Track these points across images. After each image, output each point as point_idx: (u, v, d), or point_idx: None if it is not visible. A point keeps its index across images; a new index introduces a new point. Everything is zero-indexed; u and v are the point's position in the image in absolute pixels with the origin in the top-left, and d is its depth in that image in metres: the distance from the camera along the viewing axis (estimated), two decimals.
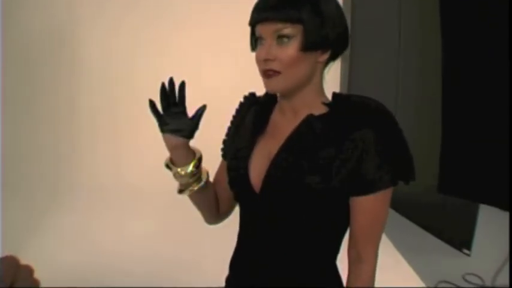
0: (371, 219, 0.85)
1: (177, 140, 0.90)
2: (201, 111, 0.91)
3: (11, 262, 0.51)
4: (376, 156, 0.79)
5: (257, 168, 0.90)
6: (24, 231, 3.14)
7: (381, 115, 0.82)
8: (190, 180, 0.93)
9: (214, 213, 1.05)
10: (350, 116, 0.82)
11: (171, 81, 0.90)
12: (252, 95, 1.04)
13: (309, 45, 0.81)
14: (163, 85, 0.89)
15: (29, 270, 0.52)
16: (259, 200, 0.88)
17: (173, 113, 0.90)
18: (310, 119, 0.86)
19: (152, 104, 0.90)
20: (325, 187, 0.81)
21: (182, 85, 0.90)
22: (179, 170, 0.92)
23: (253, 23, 0.85)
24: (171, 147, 0.92)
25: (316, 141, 0.84)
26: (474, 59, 1.93)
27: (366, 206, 0.83)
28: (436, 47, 2.15)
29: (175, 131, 0.90)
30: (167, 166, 0.94)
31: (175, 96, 0.90)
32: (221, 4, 4.10)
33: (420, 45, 3.38)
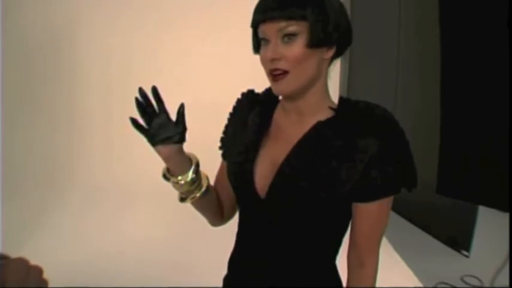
0: (373, 225, 0.85)
1: (169, 148, 0.88)
2: (181, 111, 0.89)
3: (22, 264, 0.52)
4: (382, 164, 0.79)
5: (262, 173, 0.89)
6: (21, 231, 3.14)
7: (388, 123, 0.81)
8: (191, 188, 0.91)
9: (218, 216, 1.04)
10: (357, 123, 0.82)
11: (142, 92, 0.87)
12: (251, 92, 1.03)
13: (315, 42, 0.80)
14: (137, 99, 0.87)
15: (38, 271, 0.53)
16: (264, 205, 0.87)
17: (157, 123, 0.87)
18: (318, 127, 0.85)
19: (133, 121, 0.87)
20: (332, 195, 0.81)
21: (155, 91, 0.88)
22: (179, 178, 0.89)
23: (257, 24, 0.83)
24: (165, 158, 0.89)
25: (324, 149, 0.83)
26: (474, 60, 1.93)
27: (369, 213, 0.83)
28: (436, 46, 2.15)
29: (165, 140, 0.87)
30: (165, 177, 0.91)
31: (153, 106, 0.88)
32: (219, 2, 4.10)
33: (420, 44, 3.38)
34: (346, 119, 0.84)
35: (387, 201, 0.84)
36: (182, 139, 0.89)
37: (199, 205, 0.98)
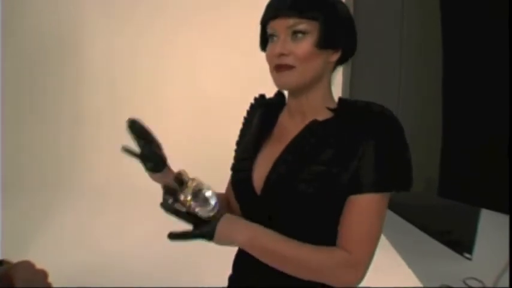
0: (361, 220, 0.80)
1: (152, 175, 0.98)
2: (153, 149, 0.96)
3: (27, 267, 0.53)
4: (373, 160, 0.79)
5: (260, 171, 0.91)
6: (25, 231, 3.15)
7: (385, 122, 0.81)
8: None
9: None
10: (353, 122, 0.82)
11: (129, 123, 0.93)
12: (262, 96, 1.05)
13: (324, 42, 0.82)
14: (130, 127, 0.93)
15: (43, 274, 0.54)
16: (261, 202, 0.89)
17: (145, 153, 0.94)
18: (313, 125, 0.87)
19: (126, 149, 0.95)
20: (323, 193, 0.81)
21: (137, 125, 0.93)
22: None
23: (267, 20, 0.85)
24: (156, 181, 0.98)
25: (318, 146, 0.84)
26: (475, 63, 1.93)
27: (357, 205, 0.81)
28: (437, 50, 2.16)
29: (148, 166, 0.96)
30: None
31: (141, 136, 0.94)
32: (225, 4, 4.11)
33: (422, 48, 3.38)
34: (343, 118, 0.85)
35: (377, 200, 0.80)
36: (155, 169, 0.97)
37: None
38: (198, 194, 0.80)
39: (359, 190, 0.80)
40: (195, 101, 4.13)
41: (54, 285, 0.57)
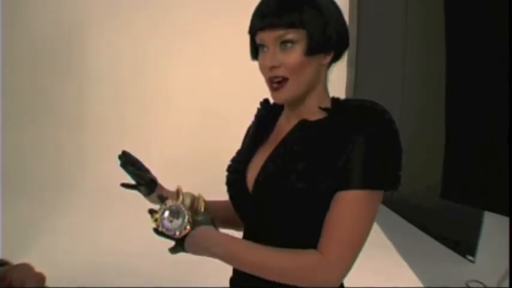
0: (339, 220, 0.78)
1: (149, 198, 1.09)
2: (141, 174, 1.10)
3: (25, 269, 0.54)
4: (360, 157, 0.77)
5: (253, 171, 0.91)
6: (27, 231, 3.16)
7: (376, 119, 0.80)
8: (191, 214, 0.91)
9: (237, 224, 1.04)
10: (345, 120, 0.81)
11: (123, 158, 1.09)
12: (266, 101, 1.04)
13: (313, 49, 0.81)
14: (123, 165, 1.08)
15: (41, 278, 0.55)
16: (251, 201, 0.89)
17: (139, 177, 1.08)
18: (302, 124, 0.87)
19: (124, 184, 1.10)
20: (312, 192, 0.81)
21: (125, 154, 1.12)
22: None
23: (254, 31, 0.84)
24: (154, 203, 1.02)
25: (306, 145, 0.84)
26: (479, 65, 1.93)
27: (339, 201, 0.79)
28: (441, 51, 2.15)
29: (143, 191, 1.10)
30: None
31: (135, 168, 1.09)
32: (231, 9, 4.12)
33: (426, 49, 3.38)
34: (335, 117, 0.84)
35: (362, 197, 0.78)
36: (145, 193, 1.10)
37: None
38: (174, 211, 0.88)
39: (344, 186, 0.78)
40: (202, 102, 4.13)
41: (56, 286, 0.58)
